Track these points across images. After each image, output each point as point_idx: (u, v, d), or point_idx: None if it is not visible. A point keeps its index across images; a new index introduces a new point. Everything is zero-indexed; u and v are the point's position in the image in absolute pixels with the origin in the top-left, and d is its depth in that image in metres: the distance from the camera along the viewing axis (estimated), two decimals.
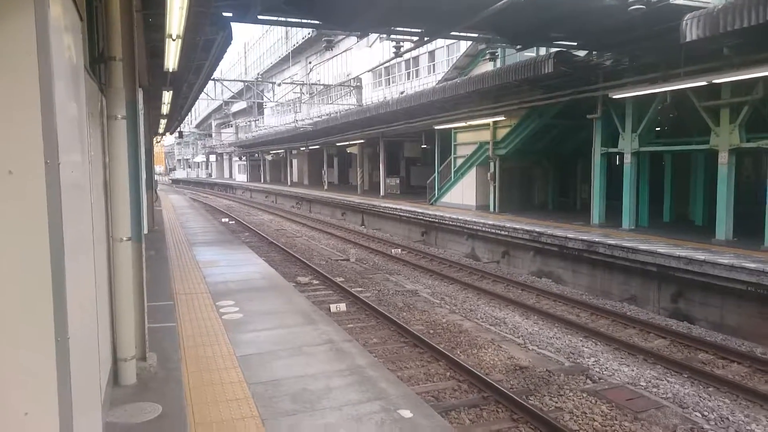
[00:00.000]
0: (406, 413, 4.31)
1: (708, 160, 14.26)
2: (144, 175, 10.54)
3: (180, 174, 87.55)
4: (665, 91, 12.12)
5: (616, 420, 5.95)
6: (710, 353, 8.19)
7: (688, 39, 9.28)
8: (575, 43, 13.32)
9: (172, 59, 8.04)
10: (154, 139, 26.27)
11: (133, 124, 4.64)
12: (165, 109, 15.91)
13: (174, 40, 6.69)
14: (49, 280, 1.83)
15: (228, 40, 9.84)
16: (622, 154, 13.97)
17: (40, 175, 1.80)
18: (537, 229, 13.56)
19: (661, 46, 11.77)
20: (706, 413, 6.20)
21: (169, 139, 63.02)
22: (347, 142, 30.41)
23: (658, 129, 14.28)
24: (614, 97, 13.13)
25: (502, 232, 14.70)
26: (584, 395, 6.56)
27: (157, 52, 9.11)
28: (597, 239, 11.82)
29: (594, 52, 14.00)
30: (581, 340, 8.76)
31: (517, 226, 14.24)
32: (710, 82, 10.74)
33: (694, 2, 9.69)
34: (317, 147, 35.77)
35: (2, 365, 1.81)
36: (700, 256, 9.63)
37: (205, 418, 4.22)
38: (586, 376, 7.19)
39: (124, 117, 4.34)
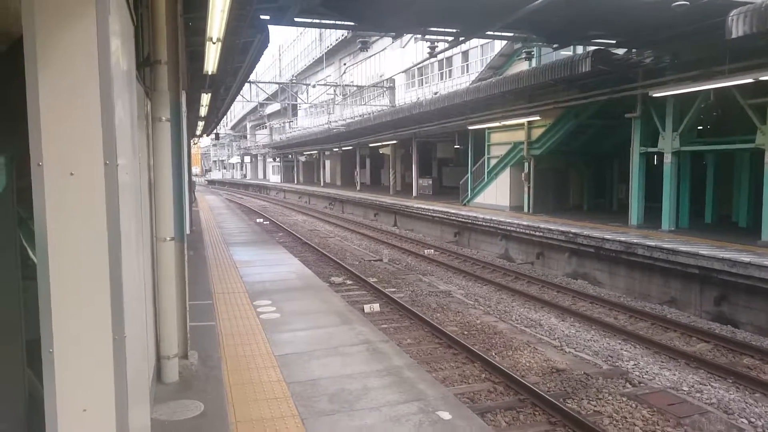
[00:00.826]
0: (445, 415, 4.29)
1: (753, 160, 13.78)
2: (186, 177, 10.77)
3: (216, 175, 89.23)
4: (708, 89, 11.78)
5: (658, 425, 5.80)
6: (756, 358, 7.92)
7: (734, 35, 9.01)
8: (614, 41, 13.06)
9: (211, 62, 8.20)
10: (192, 140, 26.81)
11: (177, 126, 4.75)
12: (203, 111, 16.24)
13: (214, 43, 6.83)
14: (107, 279, 1.88)
15: (265, 42, 9.98)
16: (661, 154, 13.63)
17: (99, 176, 1.86)
18: (573, 230, 13.34)
19: (704, 43, 11.45)
20: (753, 419, 6.00)
21: (205, 140, 64.32)
22: (380, 143, 30.48)
23: (700, 128, 13.88)
24: (654, 95, 12.82)
25: (537, 233, 14.51)
26: (624, 399, 6.42)
27: (196, 56, 9.30)
28: (635, 240, 11.56)
29: (634, 50, 13.69)
30: (620, 343, 8.58)
31: (552, 227, 14.03)
32: (757, 79, 10.39)
33: None
34: (350, 148, 35.95)
35: (61, 363, 1.87)
36: (745, 258, 9.33)
37: (245, 416, 4.29)
38: (625, 379, 7.04)
39: (168, 119, 4.44)
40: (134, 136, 2.72)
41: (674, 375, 7.26)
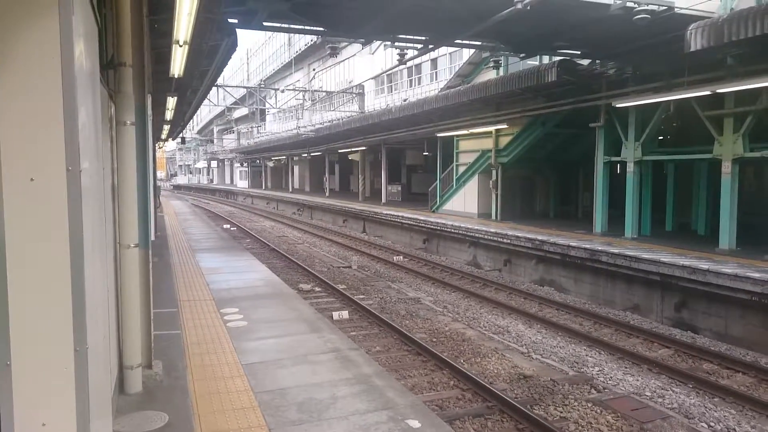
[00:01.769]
0: (415, 423, 4.27)
1: (711, 170, 14.27)
2: (152, 182, 10.55)
3: (181, 180, 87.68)
4: (669, 101, 12.15)
5: (622, 430, 5.91)
6: (715, 363, 8.16)
7: (692, 48, 9.32)
8: (579, 52, 13.37)
9: (178, 65, 8.05)
10: (157, 144, 26.30)
11: (142, 130, 4.65)
12: (169, 114, 15.94)
13: (181, 46, 6.70)
14: (68, 288, 1.81)
15: (233, 46, 9.88)
16: (624, 163, 13.98)
17: (61, 181, 1.79)
18: (539, 238, 13.54)
19: (665, 56, 11.81)
20: (712, 424, 6.17)
21: (171, 144, 63.20)
22: (349, 149, 30.45)
23: (661, 138, 14.29)
24: (617, 106, 13.15)
25: (504, 240, 14.68)
26: (589, 405, 6.52)
27: (162, 58, 9.14)
28: (599, 248, 11.80)
29: (597, 61, 14.04)
30: (585, 349, 8.73)
31: (520, 234, 14.22)
32: (714, 92, 10.76)
33: (699, 12, 9.72)
34: (319, 153, 35.81)
35: (19, 375, 1.79)
36: (704, 265, 9.61)
37: (212, 427, 4.19)
38: (590, 385, 7.16)
39: (133, 123, 4.34)
40: (98, 140, 2.64)
41: (637, 380, 7.41)
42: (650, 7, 9.11)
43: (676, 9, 9.48)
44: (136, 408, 4.23)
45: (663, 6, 9.32)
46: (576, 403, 6.54)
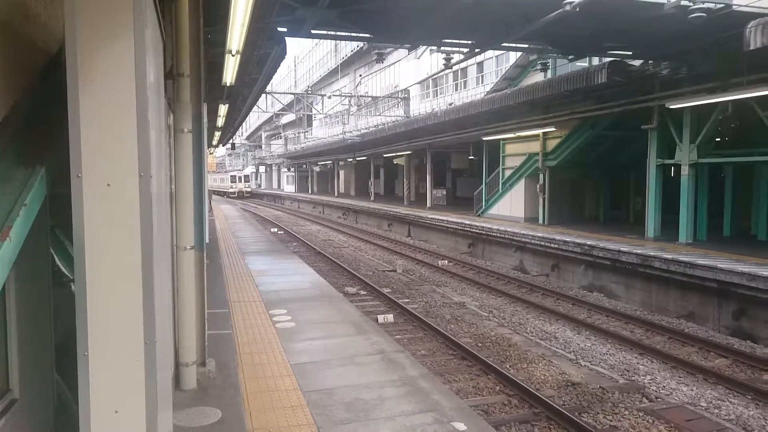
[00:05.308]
0: (461, 426, 4.29)
1: None
2: (206, 187, 10.93)
3: None
4: (726, 101, 11.71)
5: None
6: None
7: (752, 47, 8.96)
8: (630, 53, 13.04)
9: (230, 74, 8.33)
10: (208, 150, 27.13)
11: (198, 137, 4.85)
12: (220, 121, 16.45)
13: (233, 55, 6.95)
14: (140, 285, 1.95)
15: (282, 54, 10.12)
16: (678, 166, 13.54)
17: (134, 187, 1.94)
18: (588, 242, 13.27)
19: (721, 55, 11.40)
20: None
21: (221, 150, 65.22)
22: (394, 154, 30.57)
23: (718, 139, 13.77)
24: (671, 107, 12.76)
25: (552, 245, 14.45)
26: (641, 414, 6.36)
27: (215, 67, 9.45)
28: (652, 253, 11.47)
29: (650, 62, 13.66)
30: (636, 357, 8.50)
31: (568, 239, 13.97)
32: None
33: (759, 9, 9.34)
34: (364, 158, 36.10)
35: (95, 365, 1.94)
36: (765, 272, 9.21)
37: (262, 424, 4.33)
38: (642, 394, 6.97)
39: (190, 130, 4.54)
40: (162, 148, 2.80)
41: (692, 390, 7.18)
42: (706, 5, 8.82)
43: (734, 6, 9.15)
44: (191, 403, 4.41)
45: (720, 4, 9.02)
46: (626, 412, 6.39)
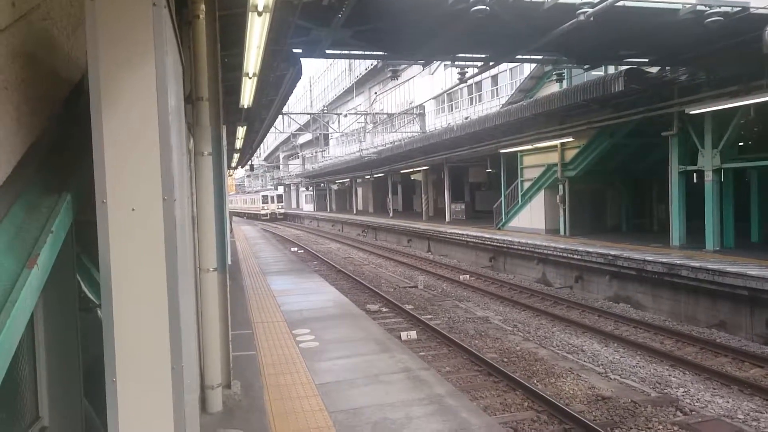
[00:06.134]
0: None
1: None
2: (227, 208, 11.06)
3: None
4: (748, 104, 11.52)
5: None
6: None
7: None
8: (646, 60, 12.93)
9: (247, 96, 8.44)
10: (228, 172, 27.45)
11: (218, 160, 4.89)
12: (238, 143, 16.66)
13: (250, 78, 7.04)
14: (166, 310, 1.95)
15: (298, 74, 10.23)
16: (701, 172, 13.32)
17: (158, 211, 1.95)
18: (612, 252, 13.06)
19: (741, 58, 11.23)
20: None
21: (240, 171, 65.59)
22: (411, 169, 30.60)
23: (741, 144, 13.52)
24: (691, 112, 12.59)
25: (575, 256, 14.25)
26: (675, 428, 6.19)
27: (232, 90, 9.59)
28: (679, 261, 11.24)
29: (667, 68, 13.52)
30: (667, 369, 8.29)
31: (591, 250, 13.77)
32: None
33: None
34: (381, 175, 36.19)
35: (124, 392, 1.93)
36: None
37: None
38: (675, 407, 6.78)
39: (210, 153, 4.58)
40: (184, 171, 2.83)
41: (728, 402, 6.96)
42: (723, 8, 8.71)
43: (751, 9, 9.02)
44: (218, 426, 4.39)
45: (737, 7, 8.90)
46: (660, 427, 6.22)
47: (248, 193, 69.87)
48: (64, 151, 2.27)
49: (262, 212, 55.39)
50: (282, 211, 57.35)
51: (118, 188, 1.93)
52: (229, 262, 11.86)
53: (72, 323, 2.51)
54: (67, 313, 2.37)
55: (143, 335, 1.95)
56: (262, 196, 58.15)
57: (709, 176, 12.99)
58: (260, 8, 4.34)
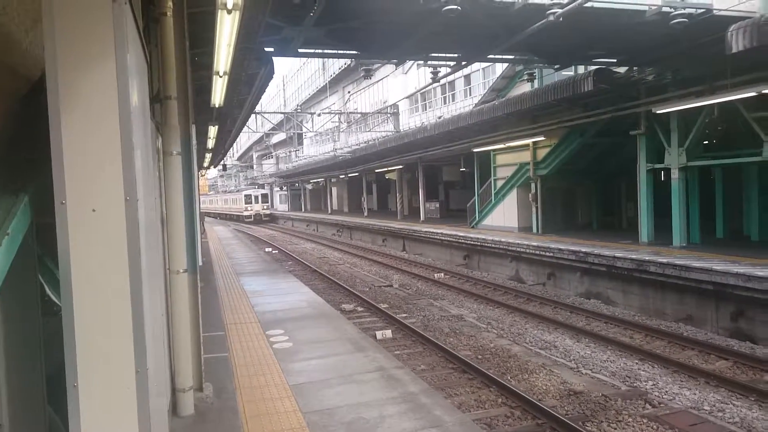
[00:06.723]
0: None
1: (761, 173, 13.76)
2: (198, 209, 10.89)
3: None
4: (712, 104, 11.82)
5: None
6: None
7: (734, 50, 9.06)
8: (615, 60, 13.17)
9: (218, 95, 8.31)
10: (200, 172, 27.09)
11: (187, 160, 4.81)
12: (210, 143, 16.43)
13: (221, 76, 6.93)
14: (129, 313, 1.91)
15: (270, 73, 10.13)
16: (668, 170, 13.62)
17: (120, 212, 1.90)
18: (583, 249, 13.27)
19: (705, 58, 11.52)
20: None
21: (213, 172, 64.55)
22: (386, 168, 30.64)
23: (706, 142, 13.86)
24: (658, 112, 12.87)
25: (547, 254, 14.44)
26: (645, 421, 6.31)
27: (203, 89, 9.45)
28: (647, 258, 11.48)
29: (635, 68, 13.80)
30: (637, 363, 8.46)
31: (563, 247, 13.97)
32: (760, 93, 10.42)
33: (739, 12, 9.47)
34: (356, 174, 36.16)
35: (86, 397, 1.88)
36: (760, 272, 9.22)
37: None
38: (644, 400, 6.93)
39: (179, 153, 4.50)
40: (150, 171, 2.77)
41: (695, 394, 7.14)
42: (687, 10, 8.94)
43: (714, 11, 9.27)
44: (189, 430, 4.32)
45: (700, 9, 9.13)
46: (630, 419, 6.34)
47: (230, 192, 65.60)
48: (22, 151, 2.20)
49: (246, 213, 51.36)
50: (268, 212, 53.13)
51: (78, 189, 1.88)
52: (201, 264, 11.70)
53: (34, 327, 2.44)
54: (29, 317, 2.31)
55: (105, 339, 1.90)
56: (245, 195, 53.44)
57: (675, 174, 13.30)
58: (230, 6, 4.27)
